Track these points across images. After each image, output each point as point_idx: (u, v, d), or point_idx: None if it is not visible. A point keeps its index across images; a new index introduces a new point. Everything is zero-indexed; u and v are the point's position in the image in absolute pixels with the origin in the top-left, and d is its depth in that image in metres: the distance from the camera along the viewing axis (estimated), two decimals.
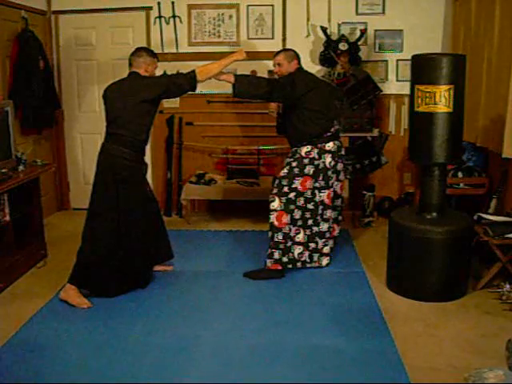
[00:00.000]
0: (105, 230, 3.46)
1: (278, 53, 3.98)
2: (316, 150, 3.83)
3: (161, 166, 5.59)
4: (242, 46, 5.15)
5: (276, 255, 3.84)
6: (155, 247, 3.78)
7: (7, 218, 3.78)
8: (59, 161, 5.63)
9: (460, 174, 4.61)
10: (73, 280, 3.46)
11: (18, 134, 4.57)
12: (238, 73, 4.48)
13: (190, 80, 3.49)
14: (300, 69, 3.94)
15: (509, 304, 3.30)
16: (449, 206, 4.44)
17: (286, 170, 3.87)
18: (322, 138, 3.85)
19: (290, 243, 3.87)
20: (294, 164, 3.84)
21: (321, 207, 3.92)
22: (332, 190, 3.94)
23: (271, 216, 3.84)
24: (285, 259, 3.87)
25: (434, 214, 3.55)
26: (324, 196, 3.90)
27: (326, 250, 4.03)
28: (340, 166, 3.98)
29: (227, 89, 4.53)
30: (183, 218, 5.36)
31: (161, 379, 2.65)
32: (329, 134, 3.89)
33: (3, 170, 3.77)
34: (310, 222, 3.91)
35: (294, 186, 3.82)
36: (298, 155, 3.86)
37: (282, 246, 3.84)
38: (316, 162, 3.83)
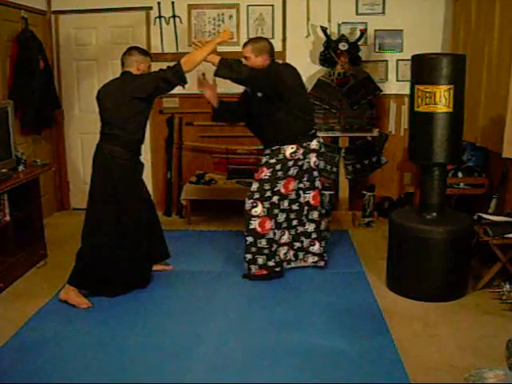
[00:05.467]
0: (103, 230, 3.46)
1: (246, 43, 3.73)
2: (301, 150, 3.69)
3: (161, 166, 5.58)
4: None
5: (260, 261, 3.76)
6: (152, 247, 3.78)
7: (7, 218, 3.78)
8: (59, 161, 5.62)
9: (460, 174, 4.61)
10: (72, 281, 3.46)
11: (18, 134, 4.57)
12: None
13: (176, 73, 3.39)
14: (275, 62, 3.70)
15: (509, 304, 3.30)
16: (449, 205, 4.43)
17: (268, 173, 3.69)
18: (307, 135, 3.73)
19: (275, 247, 3.78)
20: (277, 167, 3.68)
21: (306, 208, 3.84)
22: (318, 190, 3.82)
23: (253, 222, 3.68)
24: (271, 263, 3.78)
25: (434, 214, 3.55)
26: (309, 197, 3.82)
27: (313, 249, 3.92)
28: (322, 165, 3.89)
29: (227, 89, 4.54)
30: (183, 218, 5.36)
31: (160, 379, 2.65)
32: (313, 131, 3.81)
33: (3, 170, 3.77)
34: (295, 222, 3.85)
35: (276, 189, 3.70)
36: (281, 156, 3.68)
37: (266, 252, 3.74)
38: (300, 163, 3.71)
